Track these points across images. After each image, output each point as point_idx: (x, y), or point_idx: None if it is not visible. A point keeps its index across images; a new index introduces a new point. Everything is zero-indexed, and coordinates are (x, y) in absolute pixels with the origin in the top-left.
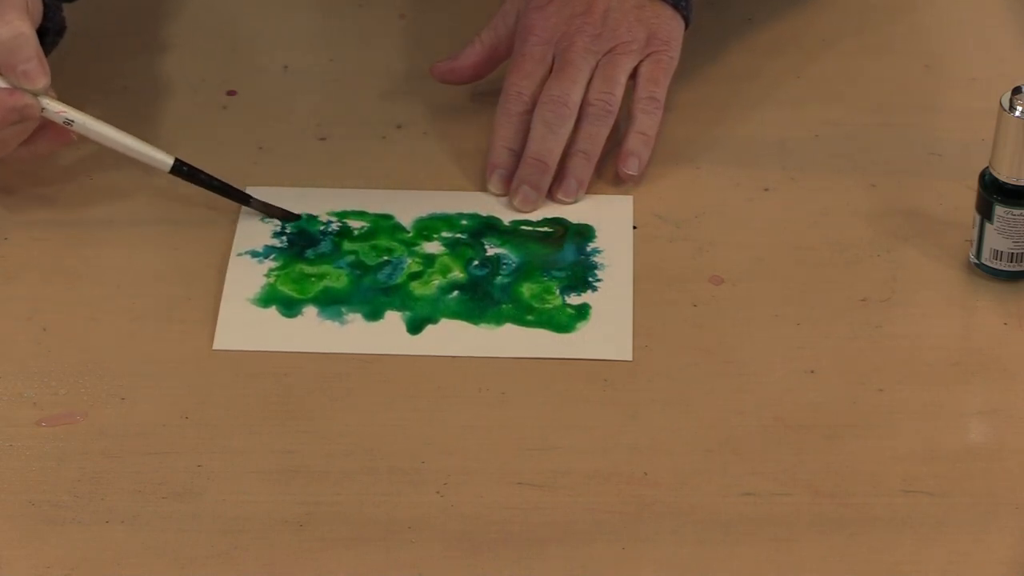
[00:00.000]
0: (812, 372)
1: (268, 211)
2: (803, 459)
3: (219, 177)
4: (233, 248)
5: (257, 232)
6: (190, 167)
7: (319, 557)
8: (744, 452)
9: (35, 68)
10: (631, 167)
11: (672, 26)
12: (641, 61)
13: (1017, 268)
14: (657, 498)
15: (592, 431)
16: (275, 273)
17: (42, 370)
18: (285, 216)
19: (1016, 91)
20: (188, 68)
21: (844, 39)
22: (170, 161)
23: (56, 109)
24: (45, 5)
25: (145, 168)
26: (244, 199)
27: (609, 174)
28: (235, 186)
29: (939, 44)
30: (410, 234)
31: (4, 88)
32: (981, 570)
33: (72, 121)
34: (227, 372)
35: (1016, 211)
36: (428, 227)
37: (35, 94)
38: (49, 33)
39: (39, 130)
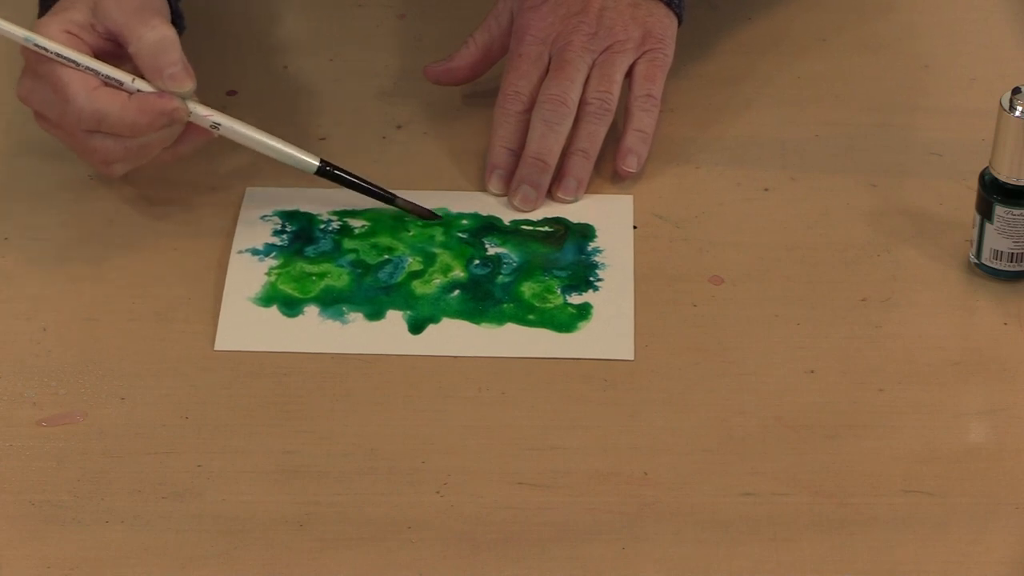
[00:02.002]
0: (812, 372)
1: (412, 210)
2: (803, 459)
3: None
4: (233, 246)
5: (257, 230)
6: (334, 167)
7: (319, 557)
8: (744, 452)
9: (181, 71)
10: (630, 164)
11: (666, 24)
12: (637, 59)
13: (1017, 268)
14: (657, 498)
15: (592, 431)
16: (276, 271)
17: (42, 370)
18: (427, 215)
19: (1016, 91)
20: None
21: (844, 39)
22: (316, 163)
23: (203, 113)
24: (171, 8)
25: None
26: (389, 199)
27: (608, 173)
28: (379, 186)
29: (939, 44)
30: (411, 233)
31: (153, 92)
32: (981, 570)
33: (219, 125)
34: (227, 372)
35: (1016, 211)
36: (428, 226)
37: (182, 98)
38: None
39: (182, 132)
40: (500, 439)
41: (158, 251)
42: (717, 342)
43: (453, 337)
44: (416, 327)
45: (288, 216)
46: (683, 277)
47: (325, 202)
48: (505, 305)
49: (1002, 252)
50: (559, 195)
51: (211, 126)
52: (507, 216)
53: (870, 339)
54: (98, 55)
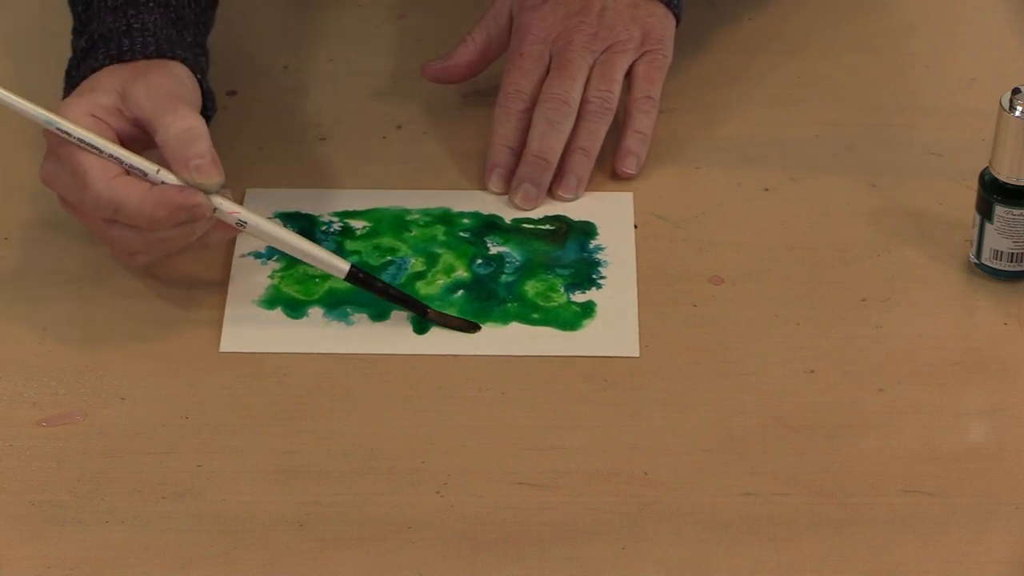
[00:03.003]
0: (812, 372)
1: (445, 322)
2: (803, 459)
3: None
4: (236, 249)
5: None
6: (365, 274)
7: (319, 557)
8: (744, 452)
9: (208, 164)
10: (630, 166)
11: (665, 24)
12: (636, 60)
13: (1017, 268)
14: (657, 498)
15: (592, 431)
16: (279, 274)
17: (42, 370)
18: (466, 327)
19: (1016, 91)
20: None
21: (844, 39)
22: (345, 267)
23: (228, 209)
24: (203, 90)
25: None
26: (422, 310)
27: (608, 171)
28: (412, 296)
29: (939, 44)
30: (413, 233)
31: (175, 185)
32: (981, 570)
33: (245, 223)
34: (227, 372)
35: (1016, 211)
36: (430, 226)
37: (208, 192)
38: (209, 119)
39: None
40: (500, 439)
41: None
42: (717, 342)
43: (457, 337)
44: (421, 327)
45: (289, 218)
46: (683, 277)
47: (326, 203)
48: (509, 304)
49: (1002, 252)
50: (560, 193)
51: (236, 223)
52: (508, 215)
53: (870, 339)
54: (124, 141)
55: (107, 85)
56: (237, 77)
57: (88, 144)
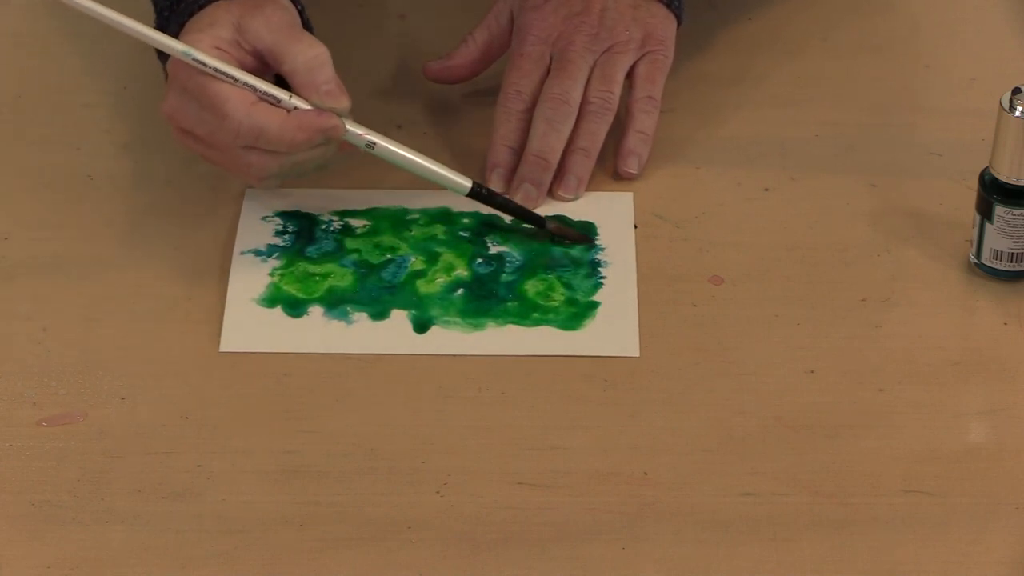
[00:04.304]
0: (812, 372)
1: (564, 234)
2: (803, 459)
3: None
4: (235, 247)
5: (259, 231)
6: (488, 190)
7: (319, 557)
8: (744, 452)
9: (336, 88)
10: (631, 166)
11: (666, 25)
12: (637, 60)
13: (1017, 268)
14: (657, 498)
15: (592, 431)
16: (279, 272)
17: (42, 370)
18: (580, 239)
19: (1016, 91)
20: None
21: (844, 39)
22: (468, 184)
23: (358, 131)
24: (303, 22)
25: (145, 167)
26: (540, 222)
27: (608, 171)
28: (531, 212)
29: (939, 44)
30: (413, 232)
31: (311, 110)
32: (981, 570)
33: (374, 144)
34: (227, 372)
35: (1016, 211)
36: (430, 225)
37: (339, 115)
38: None
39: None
40: (500, 439)
41: (158, 251)
42: (717, 342)
43: (458, 336)
44: (421, 326)
45: (289, 216)
46: (683, 277)
47: (326, 202)
48: (509, 303)
49: (1002, 252)
50: (560, 193)
51: (366, 145)
52: (508, 215)
53: (870, 339)
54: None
55: (224, 20)
56: None
57: (224, 74)
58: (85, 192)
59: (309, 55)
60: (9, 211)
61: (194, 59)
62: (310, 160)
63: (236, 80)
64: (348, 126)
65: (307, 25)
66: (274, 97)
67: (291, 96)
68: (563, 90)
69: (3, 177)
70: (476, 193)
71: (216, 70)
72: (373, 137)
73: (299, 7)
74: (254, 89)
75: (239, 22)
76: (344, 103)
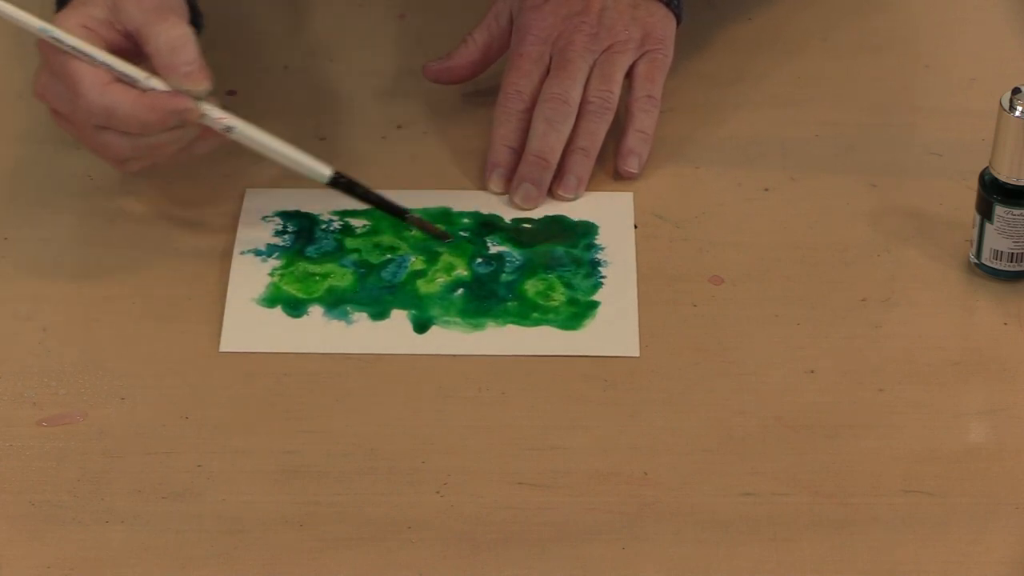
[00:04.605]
0: (812, 372)
1: (423, 228)
2: (803, 459)
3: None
4: (235, 247)
5: (259, 231)
6: (348, 179)
7: (319, 557)
8: (744, 452)
9: (197, 70)
10: (632, 165)
11: (666, 24)
12: (637, 60)
13: (1017, 268)
14: (657, 498)
15: (592, 431)
16: (279, 272)
17: (42, 370)
18: (439, 235)
19: (1016, 91)
20: None
21: (844, 39)
22: (328, 172)
23: (216, 115)
24: (190, 6)
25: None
26: (401, 213)
27: (608, 171)
28: (391, 200)
29: (939, 44)
30: (413, 232)
31: (165, 91)
32: (981, 570)
33: (232, 128)
34: (227, 372)
35: (1016, 211)
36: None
37: (196, 98)
38: (198, 33)
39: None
40: (500, 439)
41: (158, 251)
42: (717, 342)
43: (458, 336)
44: (421, 326)
45: (289, 216)
46: (683, 277)
47: (326, 202)
48: (509, 303)
49: (1002, 252)
50: (559, 193)
51: (223, 129)
52: (508, 214)
53: (870, 339)
54: (116, 52)
55: None
56: (237, 77)
57: (80, 52)
58: (85, 192)
59: (171, 35)
60: (9, 211)
61: (51, 37)
62: (169, 143)
63: (94, 59)
64: (205, 109)
65: (195, 11)
66: (131, 77)
67: (148, 77)
68: (562, 90)
69: (3, 177)
70: (336, 182)
71: (73, 48)
72: (231, 121)
73: None
74: (110, 68)
75: (114, 1)
76: (203, 85)
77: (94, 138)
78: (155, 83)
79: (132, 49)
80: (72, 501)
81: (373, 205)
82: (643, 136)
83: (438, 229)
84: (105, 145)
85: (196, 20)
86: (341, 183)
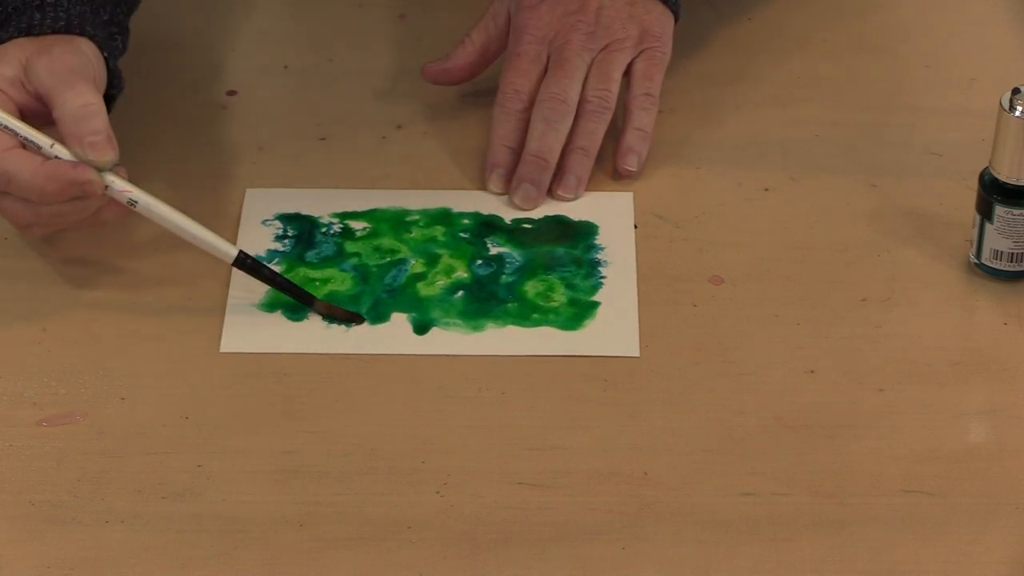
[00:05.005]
0: (812, 372)
1: (332, 313)
2: (803, 459)
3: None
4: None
5: (259, 236)
6: (253, 260)
7: (319, 557)
8: (744, 452)
9: (103, 140)
10: (631, 163)
11: (663, 22)
12: (635, 58)
13: (1017, 268)
14: (657, 498)
15: (592, 431)
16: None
17: (42, 370)
18: (349, 318)
19: (1016, 91)
20: (188, 68)
21: (844, 39)
22: (233, 253)
23: (120, 187)
24: (109, 69)
25: (144, 169)
26: (308, 300)
27: (608, 171)
28: (298, 286)
29: (939, 44)
30: (413, 234)
31: (68, 161)
32: (981, 570)
33: (136, 202)
34: (227, 372)
35: (1016, 211)
36: (430, 226)
37: (101, 169)
38: (115, 98)
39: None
40: (500, 439)
41: (158, 251)
42: (717, 342)
43: (458, 338)
44: (421, 328)
45: (289, 219)
46: (683, 277)
47: (326, 203)
48: (509, 304)
49: (1002, 252)
50: (559, 193)
51: (127, 202)
52: (508, 215)
53: (870, 339)
54: (26, 114)
55: (12, 57)
56: (237, 77)
57: None
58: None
59: (77, 103)
60: None
61: None
62: (71, 212)
63: None
64: (109, 180)
65: (114, 74)
66: (36, 144)
67: (54, 144)
68: (561, 89)
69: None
70: (241, 263)
71: None
72: (135, 195)
73: (108, 55)
74: (15, 133)
75: (27, 61)
76: (108, 156)
77: None
78: (59, 150)
79: (44, 112)
80: (72, 501)
81: (279, 289)
82: (642, 134)
83: (348, 313)
84: (5, 210)
85: (115, 84)
86: (247, 264)
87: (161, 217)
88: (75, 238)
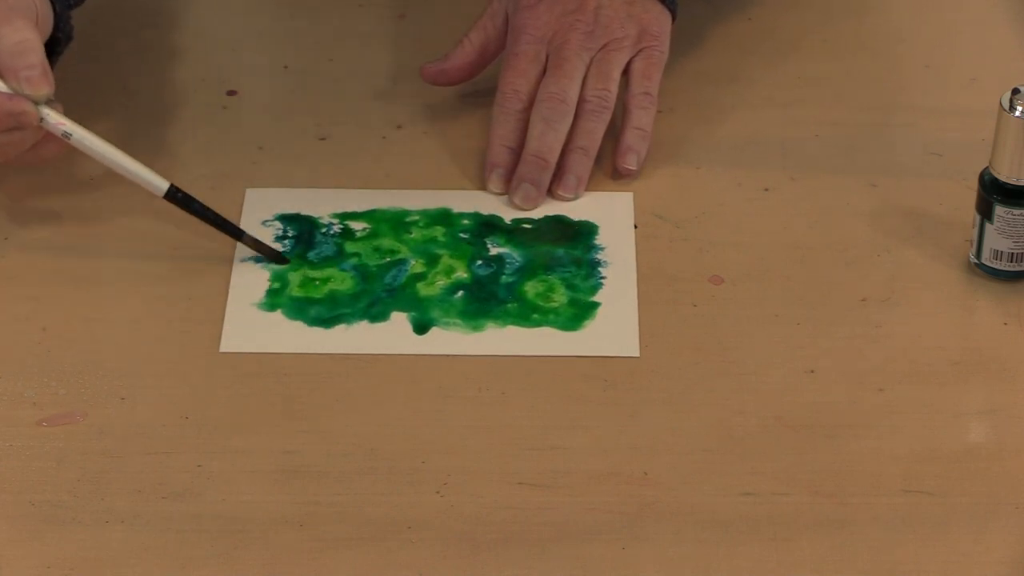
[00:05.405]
0: (812, 372)
1: (259, 249)
2: (803, 459)
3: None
4: (236, 253)
5: (260, 236)
6: (184, 194)
7: (319, 557)
8: (744, 452)
9: (38, 75)
10: (630, 162)
11: (661, 20)
12: (633, 57)
13: (1017, 268)
14: (657, 498)
15: (592, 431)
16: (279, 277)
17: (42, 370)
18: (274, 257)
19: (1016, 91)
20: (188, 68)
21: (844, 39)
22: (164, 186)
23: (54, 121)
24: (56, 14)
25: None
26: (237, 234)
27: (608, 171)
28: (227, 220)
29: (939, 44)
30: (413, 235)
31: (3, 93)
32: (981, 570)
33: (70, 135)
34: (227, 372)
35: (1016, 211)
36: (430, 227)
37: (36, 102)
38: (60, 42)
39: (42, 137)
40: (500, 439)
41: (158, 251)
42: (717, 342)
43: (458, 338)
44: (421, 328)
45: (289, 220)
46: (683, 277)
47: (325, 203)
48: (509, 305)
49: (1002, 252)
50: (559, 193)
51: (62, 134)
52: (508, 215)
53: (870, 339)
54: None
55: None
56: (237, 77)
57: None
58: (85, 192)
59: (14, 39)
60: (9, 211)
61: None
62: (9, 145)
63: None
64: (44, 113)
65: (60, 19)
66: None
67: None
68: (560, 89)
69: (3, 177)
70: (172, 196)
71: None
72: (69, 127)
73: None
74: None
75: None
76: (44, 90)
77: None
78: None
79: None
80: (72, 501)
81: (209, 223)
82: (641, 133)
83: (274, 252)
84: None
85: (61, 28)
86: (177, 197)
87: (94, 151)
88: (76, 238)
